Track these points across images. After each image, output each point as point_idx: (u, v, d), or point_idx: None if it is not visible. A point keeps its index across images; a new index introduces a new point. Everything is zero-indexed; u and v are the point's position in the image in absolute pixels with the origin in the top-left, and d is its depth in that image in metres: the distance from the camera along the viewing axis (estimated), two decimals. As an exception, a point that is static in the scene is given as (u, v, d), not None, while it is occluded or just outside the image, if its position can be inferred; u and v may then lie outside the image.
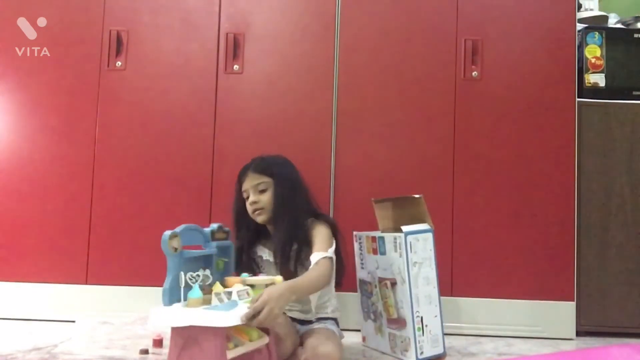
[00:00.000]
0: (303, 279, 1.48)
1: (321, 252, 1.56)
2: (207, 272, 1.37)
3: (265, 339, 1.38)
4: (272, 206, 1.66)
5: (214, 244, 1.49)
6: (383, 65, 2.10)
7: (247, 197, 1.69)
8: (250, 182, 1.68)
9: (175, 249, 1.34)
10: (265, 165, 1.69)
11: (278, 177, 1.67)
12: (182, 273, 1.30)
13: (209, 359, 1.23)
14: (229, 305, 1.27)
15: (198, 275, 1.33)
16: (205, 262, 1.44)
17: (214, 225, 1.52)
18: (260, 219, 1.68)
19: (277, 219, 1.65)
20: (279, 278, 1.43)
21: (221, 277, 1.47)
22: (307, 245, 1.61)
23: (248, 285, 1.41)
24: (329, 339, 1.54)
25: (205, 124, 2.09)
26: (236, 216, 1.72)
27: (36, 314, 2.04)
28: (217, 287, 1.36)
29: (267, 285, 1.39)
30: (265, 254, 1.71)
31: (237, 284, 1.40)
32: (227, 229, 1.58)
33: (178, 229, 1.37)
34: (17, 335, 1.83)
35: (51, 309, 2.04)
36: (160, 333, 1.76)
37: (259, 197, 1.67)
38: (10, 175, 2.10)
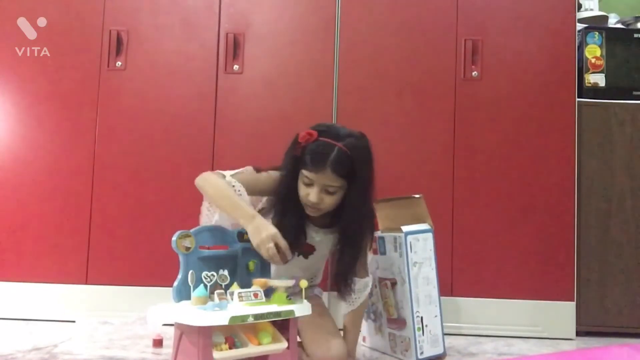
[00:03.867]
0: (354, 341, 1.63)
1: (366, 286, 1.60)
2: (225, 272, 1.37)
3: (282, 345, 1.37)
4: (333, 209, 1.48)
5: (240, 245, 1.47)
6: (383, 65, 2.10)
7: (307, 184, 1.45)
8: (322, 180, 1.42)
9: (188, 249, 1.36)
10: (346, 168, 1.41)
11: (354, 181, 1.44)
12: (192, 272, 1.32)
13: (193, 355, 1.27)
14: (217, 306, 1.27)
15: (213, 275, 1.34)
16: (228, 262, 1.43)
17: None
18: (311, 213, 1.49)
19: (341, 223, 1.51)
20: (303, 282, 1.41)
21: (250, 278, 1.45)
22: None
23: (271, 287, 1.41)
24: (331, 329, 1.55)
25: (205, 123, 2.09)
26: (286, 191, 1.49)
27: (36, 314, 2.04)
28: (234, 288, 1.36)
29: (287, 289, 1.39)
30: (312, 232, 1.57)
31: (255, 285, 1.39)
32: None
33: (193, 229, 1.39)
34: (17, 335, 1.83)
35: (51, 309, 2.04)
36: (160, 333, 1.76)
37: (321, 198, 1.44)
38: (10, 175, 2.09)
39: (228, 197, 1.42)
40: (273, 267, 1.58)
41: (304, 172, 1.44)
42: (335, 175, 1.40)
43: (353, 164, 1.42)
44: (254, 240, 1.36)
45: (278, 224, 1.47)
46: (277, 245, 1.36)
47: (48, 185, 2.08)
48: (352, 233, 1.50)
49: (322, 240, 1.59)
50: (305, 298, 1.42)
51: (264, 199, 1.57)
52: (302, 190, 1.46)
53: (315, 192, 1.43)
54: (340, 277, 1.52)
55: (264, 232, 1.35)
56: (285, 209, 1.48)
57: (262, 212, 1.53)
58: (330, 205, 1.46)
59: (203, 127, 2.09)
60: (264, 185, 1.52)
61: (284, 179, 1.49)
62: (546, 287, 2.03)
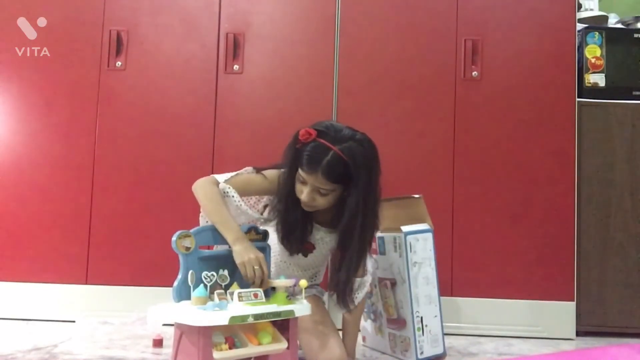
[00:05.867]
0: (353, 340, 1.62)
1: (362, 284, 1.55)
2: (225, 272, 1.37)
3: (282, 345, 1.37)
4: (336, 210, 1.49)
5: None
6: (383, 65, 2.10)
7: (302, 182, 1.44)
8: (314, 182, 1.41)
9: (188, 249, 1.36)
10: (339, 173, 1.40)
11: (352, 185, 1.42)
12: (192, 272, 1.32)
13: (193, 355, 1.27)
14: (217, 306, 1.27)
15: (213, 275, 1.34)
16: (228, 262, 1.42)
17: (245, 227, 1.47)
18: (305, 208, 1.48)
19: (339, 227, 1.48)
20: (303, 281, 1.41)
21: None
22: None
23: (271, 287, 1.41)
24: (331, 330, 1.54)
25: (205, 124, 2.09)
26: (287, 186, 1.48)
27: (36, 314, 2.04)
28: (234, 288, 1.37)
29: (287, 288, 1.39)
30: (313, 230, 1.57)
31: (263, 285, 1.39)
32: (262, 230, 1.50)
33: (193, 229, 1.40)
34: (17, 335, 1.83)
35: (51, 309, 2.04)
36: (160, 333, 1.76)
37: (313, 198, 1.44)
38: (11, 175, 2.09)
39: (218, 212, 1.43)
40: (273, 267, 1.59)
41: (299, 170, 1.44)
42: (326, 179, 1.39)
43: (348, 169, 1.39)
44: (241, 257, 1.38)
45: (281, 219, 1.50)
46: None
47: (48, 185, 2.08)
48: (348, 239, 1.46)
49: (322, 239, 1.59)
50: (305, 298, 1.42)
51: (265, 197, 1.59)
52: (297, 187, 1.46)
53: (307, 191, 1.43)
54: (337, 284, 1.50)
55: (252, 254, 1.38)
56: (287, 203, 1.49)
57: (266, 208, 1.56)
58: (324, 204, 1.46)
59: (203, 127, 2.09)
60: (258, 186, 1.54)
61: (285, 173, 1.48)
62: (546, 287, 2.03)
